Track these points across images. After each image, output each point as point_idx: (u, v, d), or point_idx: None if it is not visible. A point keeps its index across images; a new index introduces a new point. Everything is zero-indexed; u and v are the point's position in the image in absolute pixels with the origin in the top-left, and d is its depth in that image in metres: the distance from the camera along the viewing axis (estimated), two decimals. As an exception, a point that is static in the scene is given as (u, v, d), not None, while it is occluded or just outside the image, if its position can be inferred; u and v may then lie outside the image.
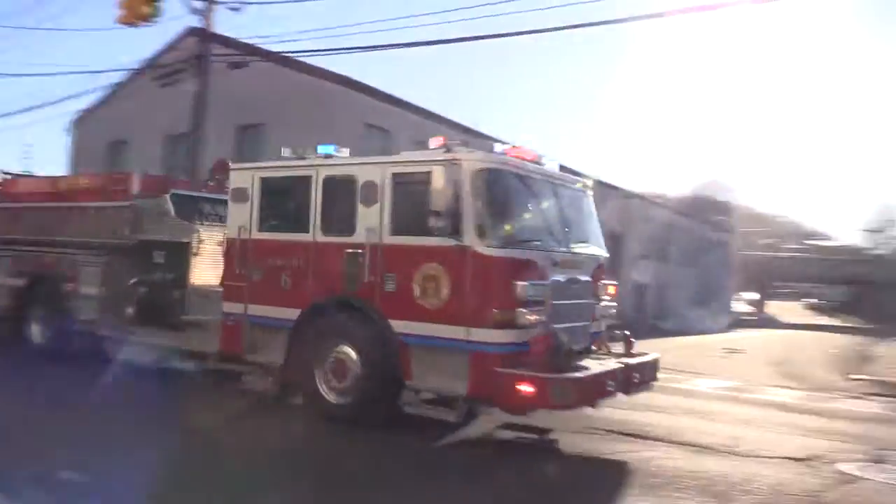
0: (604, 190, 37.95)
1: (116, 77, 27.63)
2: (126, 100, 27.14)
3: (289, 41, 31.67)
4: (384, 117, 24.07)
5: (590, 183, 10.32)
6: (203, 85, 21.46)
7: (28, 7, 67.21)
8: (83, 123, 30.89)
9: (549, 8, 14.86)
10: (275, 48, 20.91)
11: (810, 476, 7.70)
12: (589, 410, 7.99)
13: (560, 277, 8.31)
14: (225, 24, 27.08)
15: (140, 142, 28.08)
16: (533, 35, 15.89)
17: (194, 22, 21.72)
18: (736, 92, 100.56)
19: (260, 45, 21.62)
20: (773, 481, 7.35)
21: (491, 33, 17.64)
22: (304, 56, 20.37)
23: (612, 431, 9.15)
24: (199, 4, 21.02)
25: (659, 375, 9.24)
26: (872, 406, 14.15)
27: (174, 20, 26.69)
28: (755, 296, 71.63)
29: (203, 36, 21.63)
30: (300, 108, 23.23)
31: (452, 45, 29.20)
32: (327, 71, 23.12)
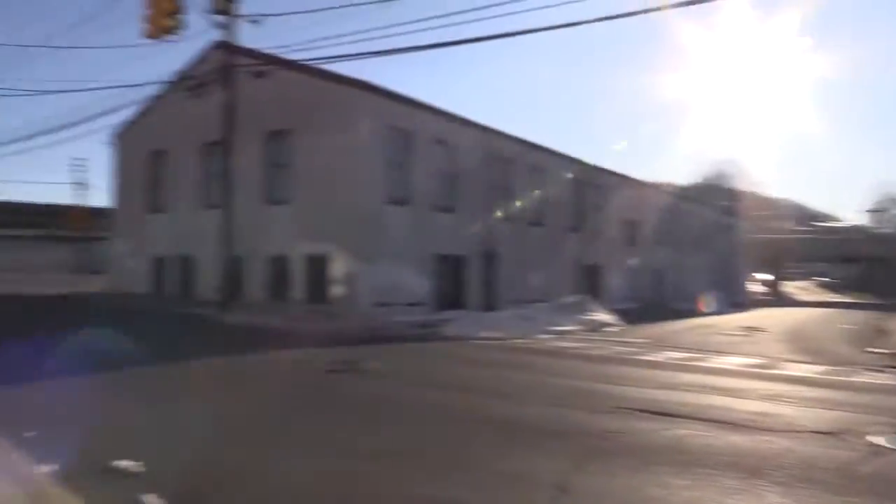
0: (618, 180, 37.46)
1: (153, 90, 27.68)
2: (163, 112, 27.17)
3: (309, 49, 31.43)
4: (406, 119, 23.74)
5: None
6: (231, 95, 21.35)
7: (79, 21, 67.83)
8: (124, 135, 30.96)
9: (541, 8, 14.41)
10: (296, 56, 20.69)
11: (842, 449, 7.23)
12: (615, 390, 7.59)
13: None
14: (249, 35, 26.93)
15: (178, 151, 28.10)
16: (533, 33, 15.44)
17: (221, 36, 21.64)
18: (736, 78, 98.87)
19: (281, 55, 21.41)
20: (805, 455, 6.89)
21: (488, 34, 17.22)
22: (323, 62, 20.09)
23: (640, 410, 8.76)
24: (221, 19, 20.89)
25: (683, 354, 8.81)
26: (893, 379, 13.57)
27: (203, 34, 26.69)
28: (769, 276, 70.48)
29: (227, 48, 21.49)
30: (324, 113, 22.99)
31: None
32: (347, 76, 22.85)
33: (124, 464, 5.80)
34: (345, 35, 22.72)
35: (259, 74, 22.03)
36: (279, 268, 23.93)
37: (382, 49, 18.68)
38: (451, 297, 24.97)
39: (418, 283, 23.69)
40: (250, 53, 22.30)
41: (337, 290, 22.33)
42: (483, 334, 18.15)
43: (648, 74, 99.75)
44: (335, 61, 18.91)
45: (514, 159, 28.83)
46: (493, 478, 5.89)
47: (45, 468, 5.53)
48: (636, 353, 15.58)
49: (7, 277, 40.29)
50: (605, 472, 6.10)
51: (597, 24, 13.77)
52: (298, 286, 21.79)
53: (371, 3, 19.45)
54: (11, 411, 7.75)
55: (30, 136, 58.64)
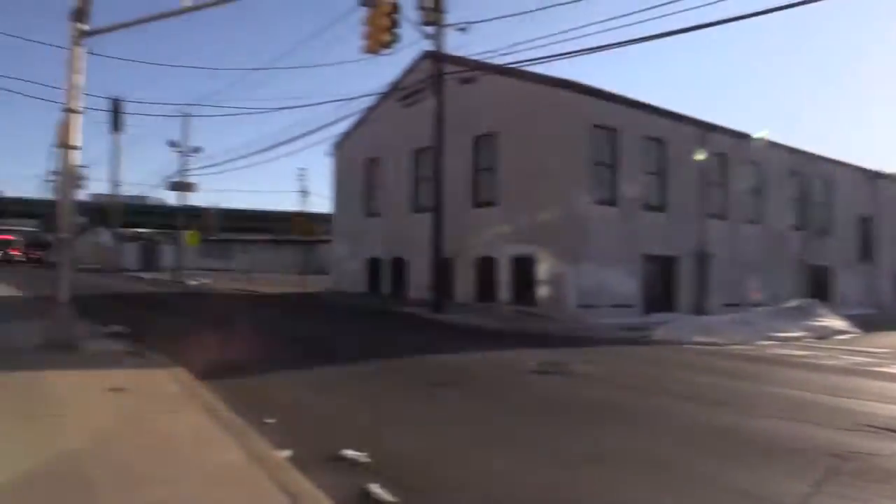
0: (849, 171, 33.87)
1: (368, 102, 29.37)
2: (377, 121, 28.69)
3: (514, 52, 31.70)
4: (612, 117, 23.14)
5: None
6: (440, 101, 22.03)
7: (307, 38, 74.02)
8: (342, 145, 33.12)
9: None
10: (500, 61, 20.91)
11: None
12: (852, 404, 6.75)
13: None
14: (454, 42, 27.67)
15: (392, 157, 29.53)
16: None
17: (428, 46, 22.45)
18: None
19: (486, 60, 21.77)
20: None
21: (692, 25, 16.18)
22: (527, 65, 20.12)
23: (889, 429, 7.77)
24: (430, 30, 21.65)
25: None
26: None
27: (412, 45, 27.87)
28: None
29: (436, 57, 22.21)
30: (529, 115, 23.04)
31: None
32: (551, 77, 22.72)
33: (352, 453, 6.12)
34: (546, 36, 22.63)
35: (466, 81, 22.60)
36: (486, 269, 24.31)
37: (589, 47, 18.33)
38: (660, 299, 23.97)
39: (626, 285, 23.00)
40: (457, 61, 22.90)
41: (543, 292, 22.26)
42: (697, 339, 17.19)
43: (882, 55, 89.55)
44: (538, 63, 18.89)
45: (728, 153, 27.09)
46: (719, 495, 5.48)
47: (283, 453, 5.97)
48: (875, 364, 13.96)
49: (244, 278, 44.80)
50: (854, 499, 5.45)
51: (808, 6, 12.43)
52: (504, 287, 22.01)
53: (570, 2, 19.22)
54: (257, 399, 8.51)
55: (261, 150, 64.92)
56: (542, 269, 22.33)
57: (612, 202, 23.05)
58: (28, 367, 9.43)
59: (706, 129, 26.18)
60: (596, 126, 22.66)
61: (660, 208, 24.52)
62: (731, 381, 11.20)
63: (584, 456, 6.39)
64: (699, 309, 24.43)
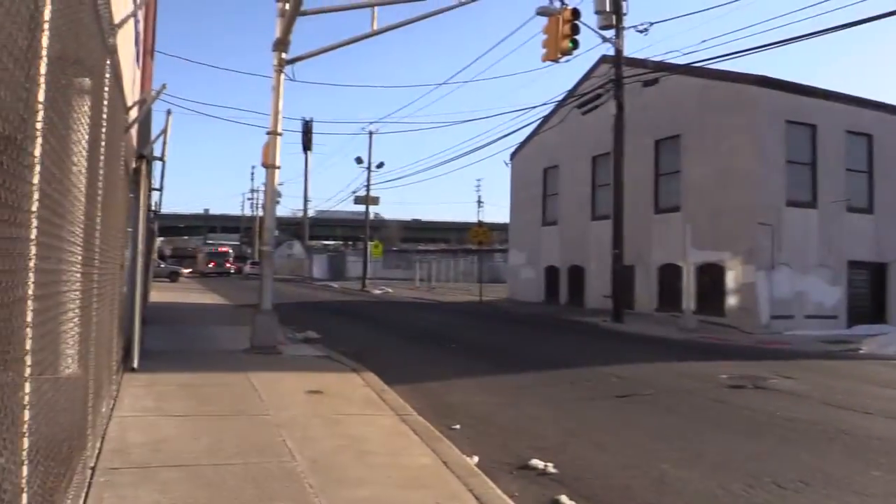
0: None
1: (545, 110, 29.41)
2: (554, 129, 28.57)
3: (696, 51, 30.42)
4: (809, 111, 21.47)
5: None
6: (619, 106, 21.54)
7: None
8: (519, 154, 33.34)
9: None
10: (681, 61, 20.10)
11: None
12: None
13: None
14: (633, 45, 26.94)
15: (569, 164, 29.33)
16: None
17: (605, 50, 22.03)
18: None
19: (668, 61, 21.01)
20: None
21: None
22: (711, 63, 19.17)
23: None
24: (608, 34, 21.24)
25: None
26: None
27: (587, 52, 27.51)
28: None
29: (615, 61, 21.75)
30: (713, 114, 21.94)
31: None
32: (738, 73, 21.49)
33: (539, 463, 6.09)
34: (731, 32, 21.44)
35: (647, 83, 21.96)
36: (669, 277, 23.45)
37: (783, 39, 17.16)
38: (867, 310, 21.85)
39: (827, 294, 21.21)
40: (637, 63, 22.32)
41: (731, 301, 21.07)
42: (914, 355, 15.44)
43: None
44: (724, 60, 17.97)
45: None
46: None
47: (471, 459, 6.06)
48: None
49: (424, 286, 46.29)
50: None
51: None
52: (688, 296, 21.06)
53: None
54: (442, 404, 8.73)
55: (440, 163, 66.97)
56: (730, 276, 21.14)
57: (810, 203, 21.38)
58: (236, 368, 10.29)
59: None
60: (789, 122, 21.13)
61: (867, 210, 22.39)
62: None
63: (792, 480, 5.92)
64: (916, 321, 21.98)
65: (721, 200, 21.50)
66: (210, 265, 68.03)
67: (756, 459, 6.54)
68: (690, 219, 22.32)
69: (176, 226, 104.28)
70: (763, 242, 20.51)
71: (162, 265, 52.53)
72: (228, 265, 69.17)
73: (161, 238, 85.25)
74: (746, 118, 21.05)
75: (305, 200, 70.13)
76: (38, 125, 2.49)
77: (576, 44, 16.05)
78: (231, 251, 75.02)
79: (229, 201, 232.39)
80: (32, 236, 2.50)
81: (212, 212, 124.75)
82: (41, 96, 2.50)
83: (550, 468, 5.99)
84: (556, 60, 15.99)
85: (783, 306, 20.46)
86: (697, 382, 10.95)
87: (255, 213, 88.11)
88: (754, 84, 20.96)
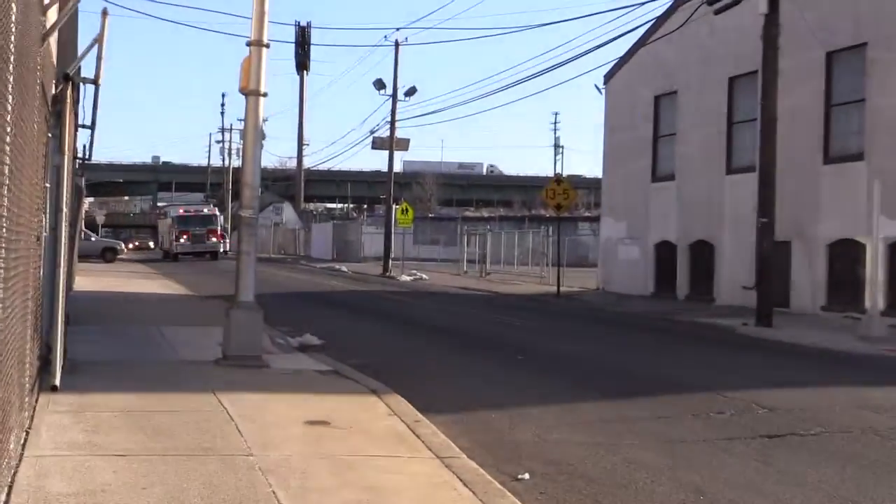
0: None
1: (657, 10, 28.98)
2: (672, 37, 28.13)
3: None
4: None
5: None
6: (772, 3, 21.10)
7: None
8: (619, 75, 33.01)
9: None
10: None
11: None
12: None
13: None
14: None
15: (693, 91, 29.03)
16: None
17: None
18: None
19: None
20: None
21: None
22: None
23: None
24: None
25: None
26: None
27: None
28: None
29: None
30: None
31: None
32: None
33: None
34: None
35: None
36: (844, 260, 23.10)
37: None
38: None
39: None
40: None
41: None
42: None
43: None
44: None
45: None
46: None
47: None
48: None
49: (475, 270, 46.28)
50: None
51: None
52: (876, 288, 20.69)
53: None
54: (502, 443, 8.72)
55: (496, 90, 66.04)
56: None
57: None
58: (204, 387, 10.39)
59: None
60: None
61: None
62: None
63: None
64: None
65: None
66: (182, 239, 60.55)
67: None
68: (881, 171, 21.85)
69: (113, 181, 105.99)
70: None
71: (93, 238, 53.51)
72: (215, 238, 61.99)
73: (90, 198, 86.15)
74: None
75: (300, 145, 70.81)
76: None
77: None
78: (219, 214, 67.64)
79: (190, 147, 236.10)
80: None
81: (165, 160, 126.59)
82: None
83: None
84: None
85: None
86: (890, 418, 10.77)
87: (227, 163, 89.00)
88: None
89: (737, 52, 25.89)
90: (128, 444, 7.53)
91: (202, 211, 65.44)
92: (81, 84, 12.73)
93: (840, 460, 8.65)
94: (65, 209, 10.02)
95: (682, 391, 12.27)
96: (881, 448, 9.23)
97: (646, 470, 8.05)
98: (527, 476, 7.54)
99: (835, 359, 16.84)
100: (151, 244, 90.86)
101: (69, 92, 9.84)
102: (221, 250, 61.41)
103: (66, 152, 10.01)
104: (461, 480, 6.89)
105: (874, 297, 20.04)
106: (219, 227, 63.09)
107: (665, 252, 30.22)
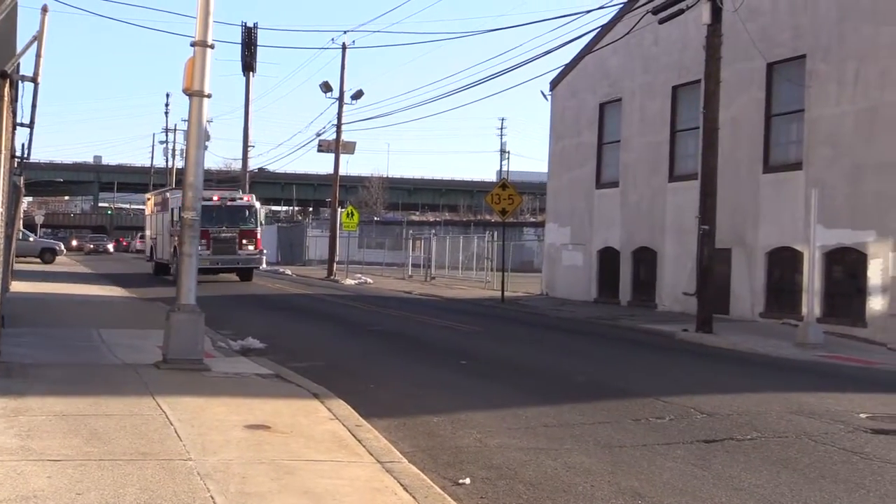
0: None
1: (602, 16, 29.22)
2: (617, 45, 28.35)
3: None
4: None
5: None
6: (716, 10, 21.32)
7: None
8: (565, 81, 33.18)
9: None
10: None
11: None
12: None
13: None
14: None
15: (638, 98, 29.22)
16: None
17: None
18: None
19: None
20: None
21: None
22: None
23: None
24: None
25: None
26: None
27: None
28: None
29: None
30: (860, 23, 21.73)
31: None
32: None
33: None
34: None
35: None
36: (782, 267, 23.43)
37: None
38: None
39: None
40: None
41: (876, 305, 21.03)
42: None
43: None
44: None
45: None
46: None
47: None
48: None
49: (420, 275, 46.26)
50: None
51: None
52: (812, 296, 21.01)
53: None
54: (444, 447, 8.71)
55: (441, 96, 66.07)
56: (875, 268, 21.08)
57: None
58: (142, 391, 10.31)
59: None
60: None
61: None
62: None
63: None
64: None
65: (865, 154, 21.41)
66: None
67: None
68: (818, 181, 22.17)
69: (53, 180, 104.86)
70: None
71: (31, 238, 52.74)
72: (252, 245, 38.04)
73: (29, 198, 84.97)
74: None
75: (245, 146, 69.90)
76: None
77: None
78: (257, 205, 40.73)
79: (132, 147, 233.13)
80: None
81: (106, 161, 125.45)
82: None
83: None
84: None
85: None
86: (824, 423, 10.92)
87: (170, 164, 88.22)
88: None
89: (680, 61, 26.18)
90: (63, 449, 7.43)
91: (233, 199, 38.74)
92: (20, 82, 12.55)
93: (775, 465, 8.77)
94: (1, 209, 9.86)
95: (623, 396, 12.35)
96: (814, 453, 9.36)
97: (586, 475, 8.10)
98: (468, 481, 7.57)
99: (772, 365, 17.06)
100: (111, 247, 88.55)
101: (7, 89, 9.67)
102: (259, 267, 40.33)
103: (3, 151, 9.85)
104: (402, 485, 6.91)
105: (811, 304, 20.35)
106: (258, 227, 39.56)
107: (609, 258, 30.43)
